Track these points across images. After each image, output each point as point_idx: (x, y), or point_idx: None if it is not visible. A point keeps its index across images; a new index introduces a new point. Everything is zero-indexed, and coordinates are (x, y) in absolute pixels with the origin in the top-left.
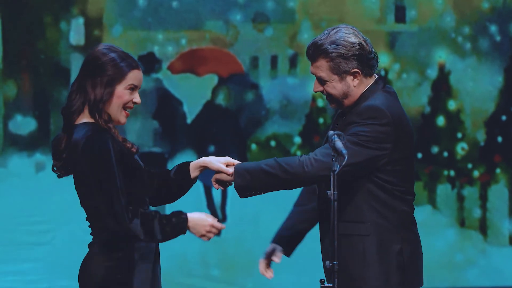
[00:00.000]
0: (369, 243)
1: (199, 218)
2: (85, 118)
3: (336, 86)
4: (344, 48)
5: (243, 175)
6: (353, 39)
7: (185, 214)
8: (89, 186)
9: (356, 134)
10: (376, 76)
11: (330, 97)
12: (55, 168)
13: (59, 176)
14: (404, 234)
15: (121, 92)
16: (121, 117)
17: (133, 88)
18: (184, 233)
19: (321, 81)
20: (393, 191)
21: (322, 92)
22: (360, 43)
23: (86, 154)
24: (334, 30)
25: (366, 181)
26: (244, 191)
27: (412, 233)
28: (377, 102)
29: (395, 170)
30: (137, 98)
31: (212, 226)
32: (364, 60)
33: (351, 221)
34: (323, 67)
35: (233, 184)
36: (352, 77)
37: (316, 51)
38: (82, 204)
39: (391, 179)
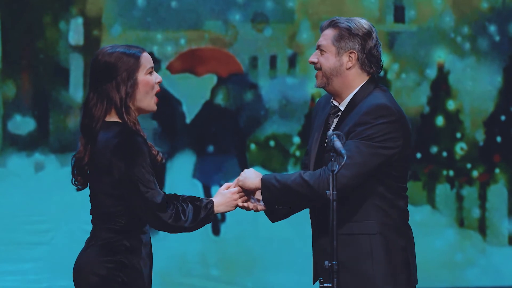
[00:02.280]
0: (376, 242)
1: (221, 198)
2: (112, 117)
3: (329, 59)
4: (354, 25)
5: (270, 189)
6: (365, 25)
7: (212, 203)
8: (120, 186)
9: (370, 137)
10: (370, 75)
11: (320, 70)
12: (76, 183)
13: (79, 190)
14: (405, 231)
15: (144, 78)
16: (153, 104)
17: (151, 72)
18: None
19: (320, 51)
20: (396, 189)
21: (315, 65)
22: (369, 32)
23: (122, 155)
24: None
25: (374, 181)
26: (271, 204)
27: (410, 230)
28: (382, 100)
29: (402, 167)
30: (158, 77)
31: (233, 194)
32: (366, 49)
33: (357, 221)
34: (328, 36)
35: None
36: (347, 57)
37: (329, 23)
38: (95, 202)
39: (398, 175)
